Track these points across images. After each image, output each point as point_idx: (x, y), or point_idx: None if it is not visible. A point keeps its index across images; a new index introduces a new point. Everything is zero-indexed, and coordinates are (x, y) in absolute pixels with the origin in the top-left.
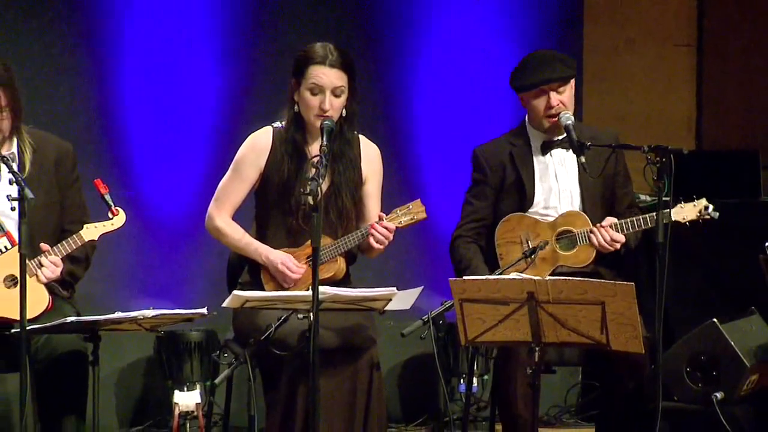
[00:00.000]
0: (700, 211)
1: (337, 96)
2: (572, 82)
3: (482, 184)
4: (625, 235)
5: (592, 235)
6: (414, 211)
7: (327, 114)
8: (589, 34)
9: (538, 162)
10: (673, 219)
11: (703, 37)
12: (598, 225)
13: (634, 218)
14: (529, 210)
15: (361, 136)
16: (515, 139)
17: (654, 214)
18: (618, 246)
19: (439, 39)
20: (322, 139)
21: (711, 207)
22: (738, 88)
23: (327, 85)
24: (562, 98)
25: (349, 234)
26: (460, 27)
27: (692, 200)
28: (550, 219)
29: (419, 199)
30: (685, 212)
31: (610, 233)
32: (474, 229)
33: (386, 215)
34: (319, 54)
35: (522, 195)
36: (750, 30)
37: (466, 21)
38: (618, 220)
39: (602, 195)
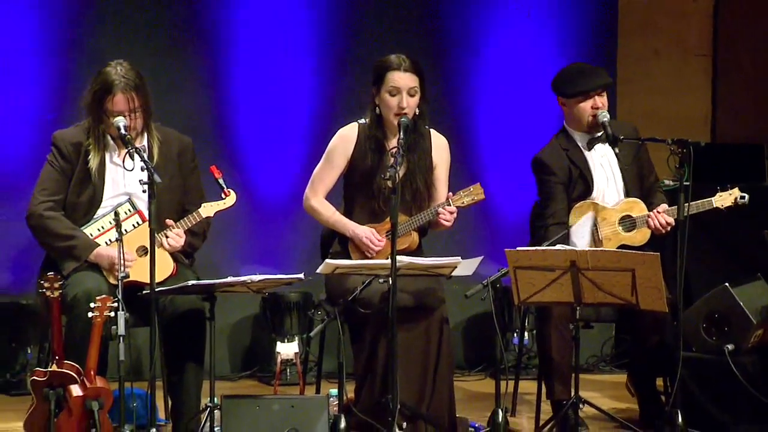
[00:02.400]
0: (735, 198)
1: (411, 95)
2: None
3: (554, 184)
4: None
5: (649, 219)
6: (474, 193)
7: (404, 111)
8: (622, 45)
9: (588, 158)
10: (714, 206)
11: (718, 49)
12: (654, 211)
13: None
14: (590, 197)
15: (432, 130)
16: (563, 143)
17: (699, 201)
18: (669, 228)
19: (496, 48)
20: (399, 133)
21: (743, 194)
22: (747, 91)
23: (403, 87)
24: (603, 101)
25: (421, 212)
26: (513, 38)
27: (726, 189)
28: (610, 205)
29: (479, 183)
30: (723, 200)
31: (665, 217)
32: (556, 230)
33: (453, 196)
34: (394, 62)
35: (586, 186)
36: (757, 43)
37: (519, 34)
38: (669, 206)
39: (638, 178)
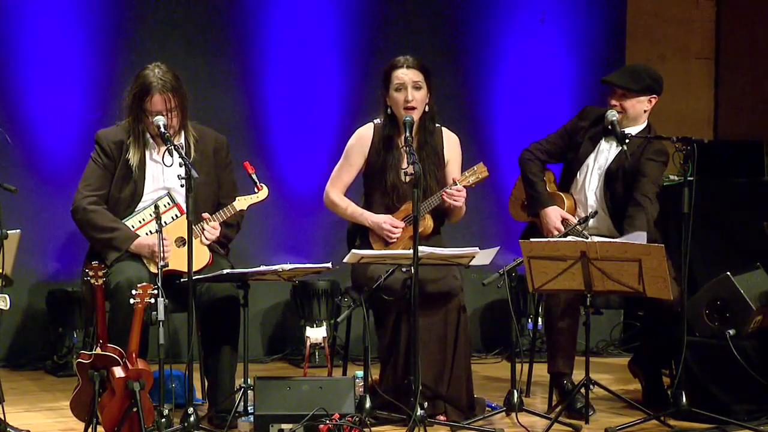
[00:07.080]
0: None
1: (417, 89)
2: (643, 97)
3: (563, 127)
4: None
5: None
6: (478, 172)
7: (411, 104)
8: (630, 50)
9: (600, 140)
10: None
11: (720, 53)
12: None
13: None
14: (578, 169)
15: (443, 128)
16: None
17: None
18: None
19: (514, 50)
20: (405, 131)
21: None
22: (747, 92)
23: (408, 82)
24: (624, 103)
25: (430, 197)
26: (529, 42)
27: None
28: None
29: (482, 162)
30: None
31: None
32: (541, 157)
33: (459, 178)
34: (399, 61)
35: (575, 153)
36: (756, 47)
37: (534, 38)
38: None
39: (626, 182)
